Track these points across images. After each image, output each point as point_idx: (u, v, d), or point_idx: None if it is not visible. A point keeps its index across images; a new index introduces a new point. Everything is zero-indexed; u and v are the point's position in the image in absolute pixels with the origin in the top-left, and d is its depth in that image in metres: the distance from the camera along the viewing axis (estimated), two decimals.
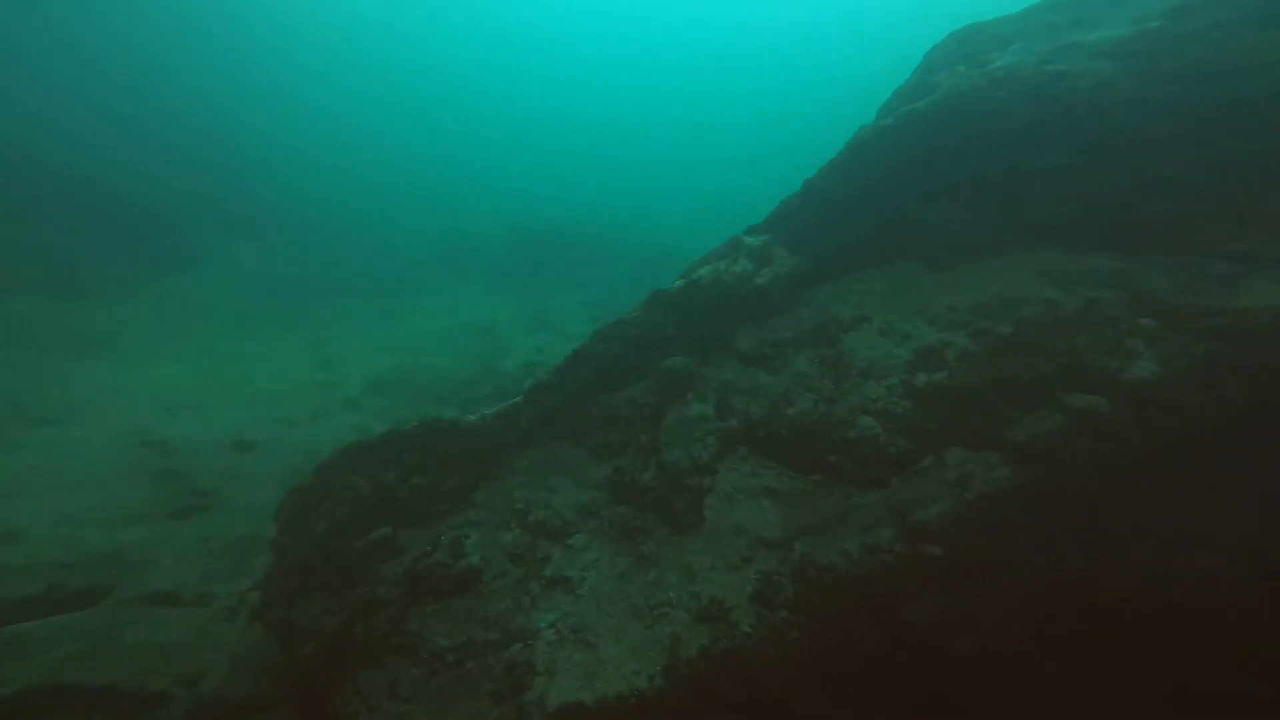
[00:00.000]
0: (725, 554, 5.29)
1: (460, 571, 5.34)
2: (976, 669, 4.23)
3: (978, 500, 4.96)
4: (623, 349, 6.75)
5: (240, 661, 5.58)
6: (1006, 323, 5.81)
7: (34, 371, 12.53)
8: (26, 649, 5.86)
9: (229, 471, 9.91)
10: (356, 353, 16.46)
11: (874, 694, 4.27)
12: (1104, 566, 4.44)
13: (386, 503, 5.86)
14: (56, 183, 19.34)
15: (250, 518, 8.40)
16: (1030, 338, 5.60)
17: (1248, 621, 4.04)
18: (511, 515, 5.97)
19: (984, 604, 4.42)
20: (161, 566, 7.39)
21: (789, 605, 4.72)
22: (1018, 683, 4.19)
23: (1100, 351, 5.28)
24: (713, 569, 5.19)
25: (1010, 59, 6.34)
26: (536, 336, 18.12)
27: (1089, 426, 4.94)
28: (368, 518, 5.62)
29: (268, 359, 15.50)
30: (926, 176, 6.76)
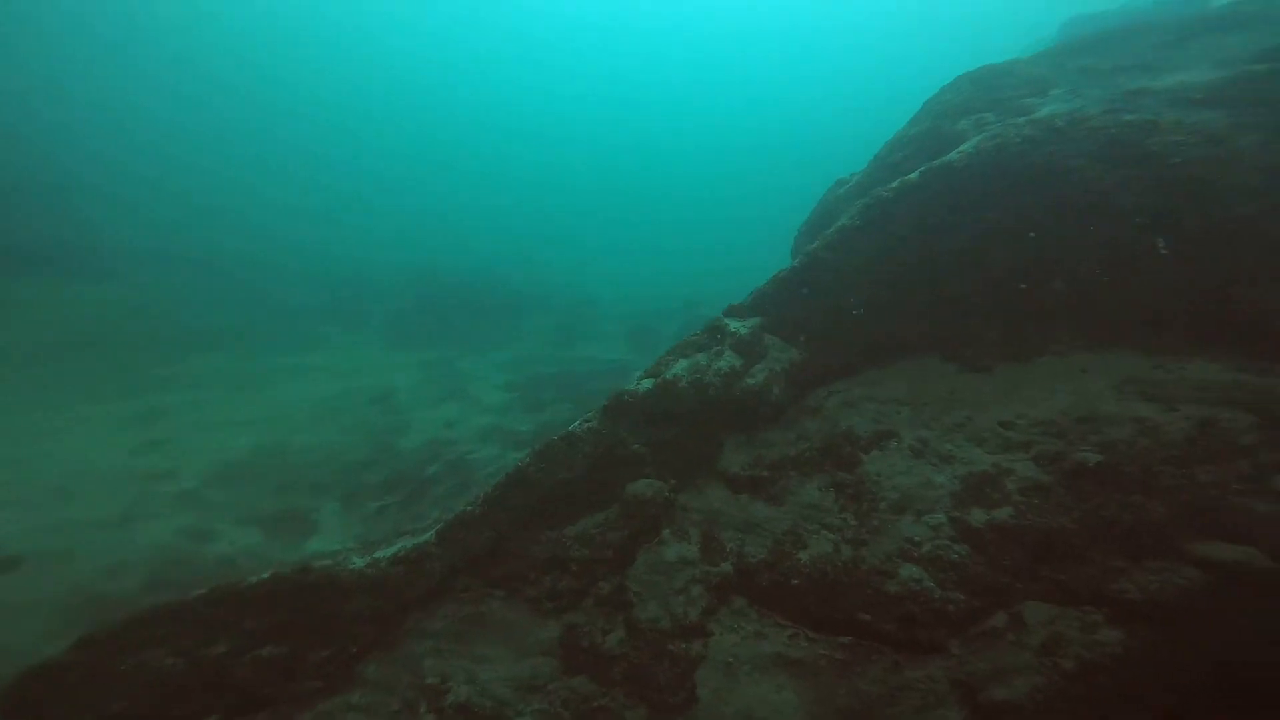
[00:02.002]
0: None
1: None
2: None
3: (1080, 671, 3.50)
4: (572, 474, 4.78)
5: None
6: (1087, 446, 4.40)
7: None
8: None
9: None
10: (206, 427, 13.10)
11: None
12: None
13: (213, 685, 3.60)
14: None
15: None
16: (1126, 469, 4.19)
17: None
18: (420, 695, 4.24)
19: None
20: None
21: None
22: None
23: (1233, 490, 3.94)
24: None
25: (1062, 106, 5.24)
26: (445, 408, 15.49)
27: (1239, 584, 3.57)
28: (179, 707, 3.73)
29: (70, 437, 11.91)
30: (960, 248, 5.41)
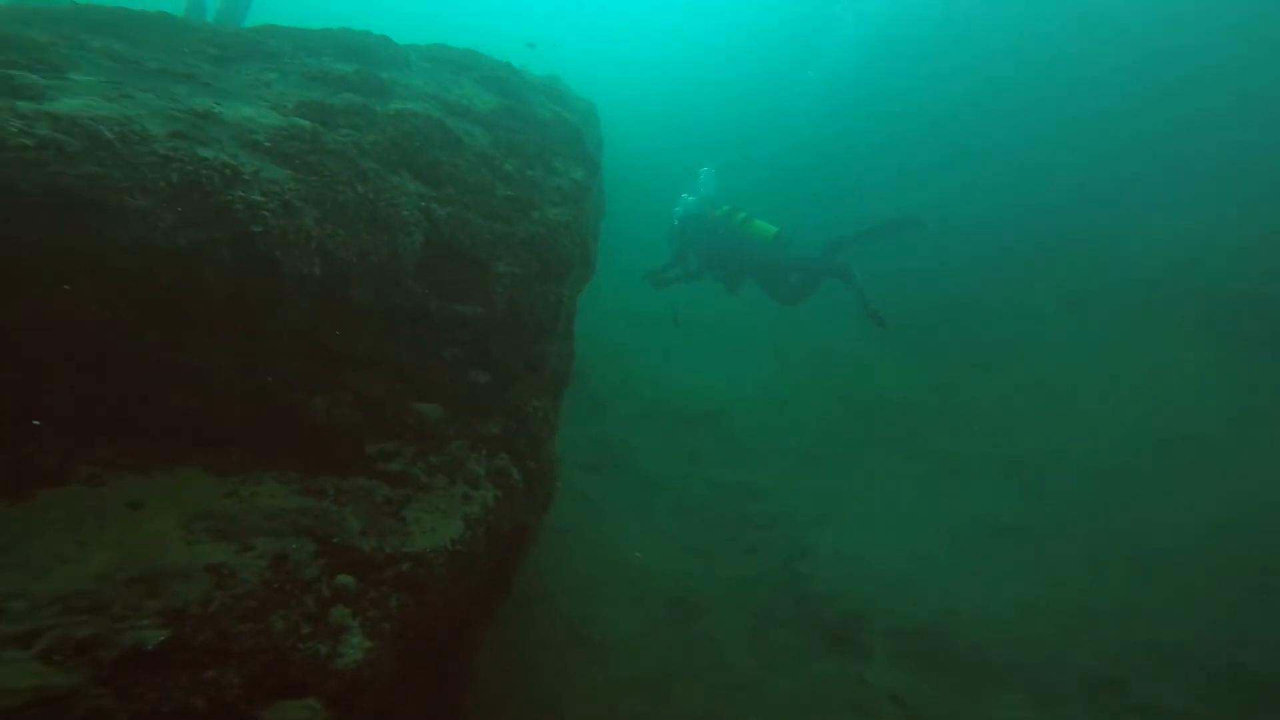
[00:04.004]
0: None
1: None
2: None
3: None
4: None
5: None
6: (145, 620, 3.03)
7: None
8: None
9: None
10: None
11: None
12: None
13: None
14: None
15: None
16: (199, 637, 3.11)
17: None
18: None
19: None
20: None
21: None
22: None
23: (303, 635, 3.53)
24: None
25: (102, 107, 3.67)
26: None
27: None
28: None
29: None
30: None
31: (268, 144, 4.67)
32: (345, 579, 3.94)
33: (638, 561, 10.58)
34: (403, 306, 5.17)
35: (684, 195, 12.87)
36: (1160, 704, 6.83)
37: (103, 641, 2.85)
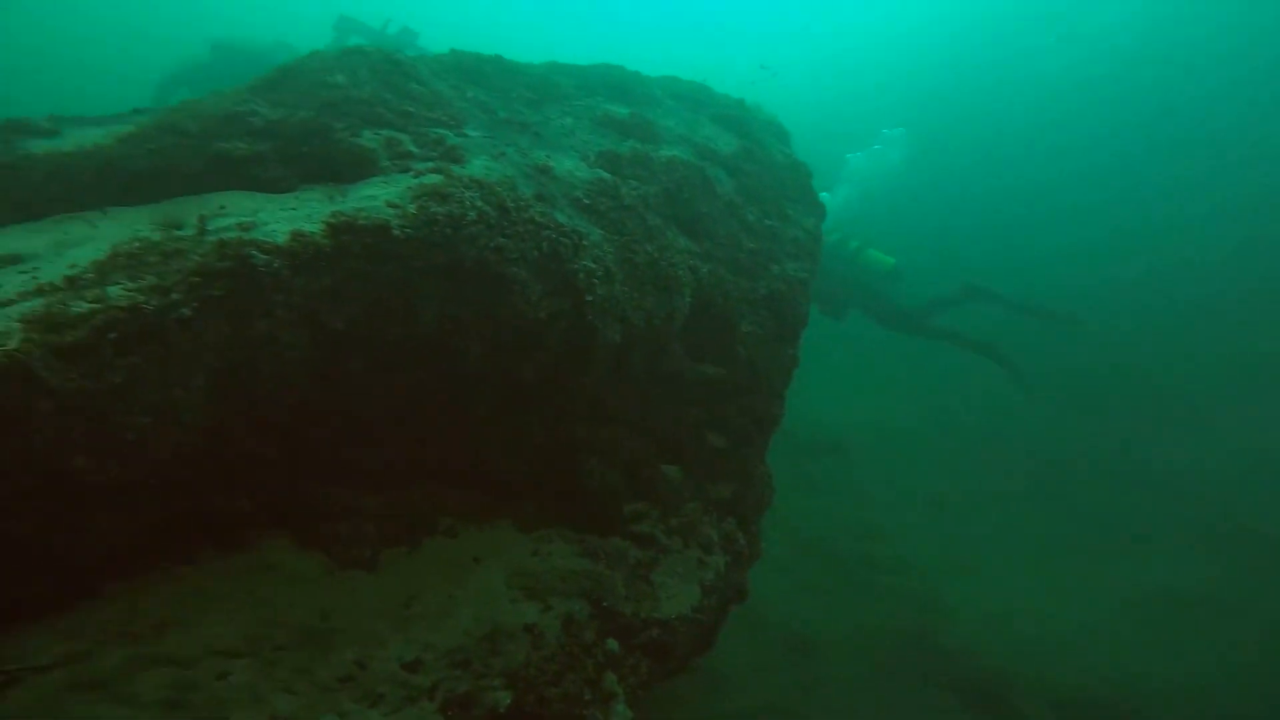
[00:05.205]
0: None
1: None
2: None
3: None
4: None
5: None
6: (495, 680, 3.56)
7: None
8: None
9: None
10: None
11: None
12: None
13: None
14: None
15: None
16: (525, 702, 3.62)
17: None
18: None
19: None
20: None
21: None
22: None
23: (586, 701, 4.02)
24: None
25: (494, 169, 3.99)
26: None
27: None
28: None
29: None
30: (375, 357, 3.42)
31: (586, 201, 4.91)
32: (612, 644, 4.38)
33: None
34: (665, 368, 5.41)
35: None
36: None
37: (474, 700, 3.39)
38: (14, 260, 2.81)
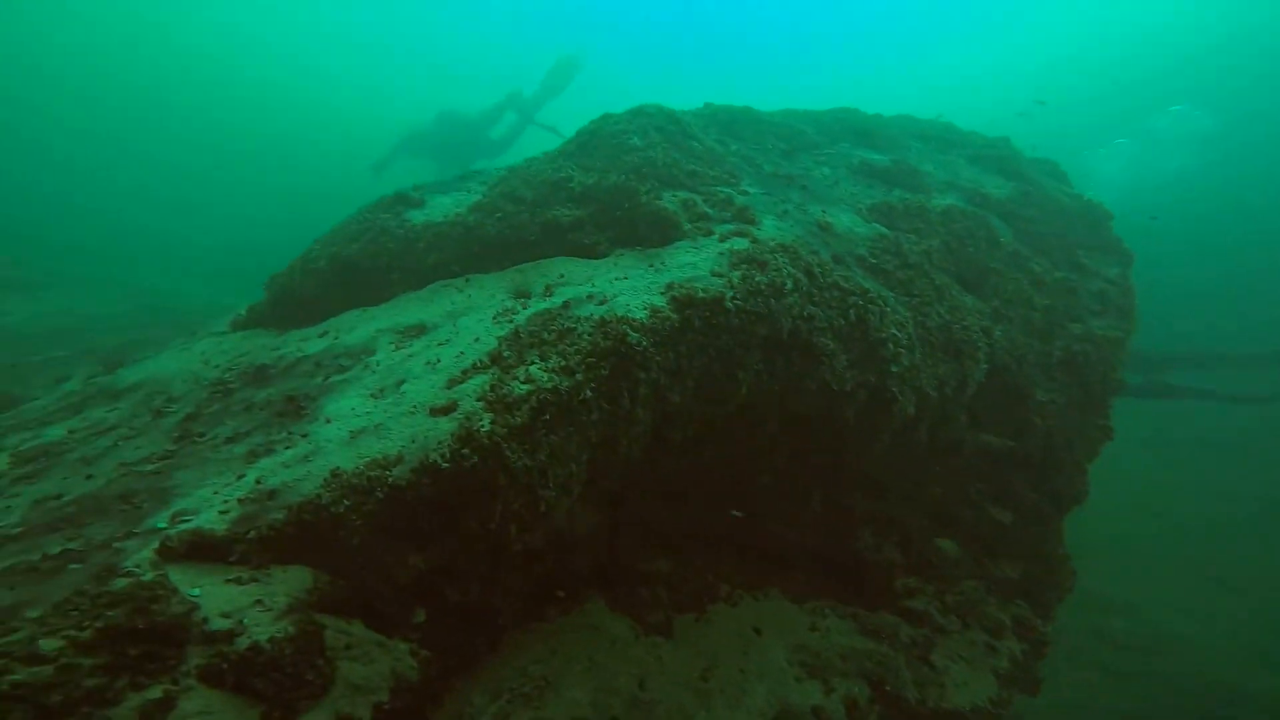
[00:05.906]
0: None
1: None
2: None
3: None
4: None
5: None
6: None
7: None
8: None
9: None
10: None
11: None
12: None
13: None
14: None
15: None
16: None
17: None
18: None
19: None
20: None
21: None
22: None
23: None
24: None
25: (787, 231, 3.94)
26: None
27: None
28: None
29: None
30: (686, 435, 3.49)
31: (871, 260, 4.63)
32: None
33: None
34: (945, 439, 4.88)
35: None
36: None
37: None
38: (422, 330, 3.26)
